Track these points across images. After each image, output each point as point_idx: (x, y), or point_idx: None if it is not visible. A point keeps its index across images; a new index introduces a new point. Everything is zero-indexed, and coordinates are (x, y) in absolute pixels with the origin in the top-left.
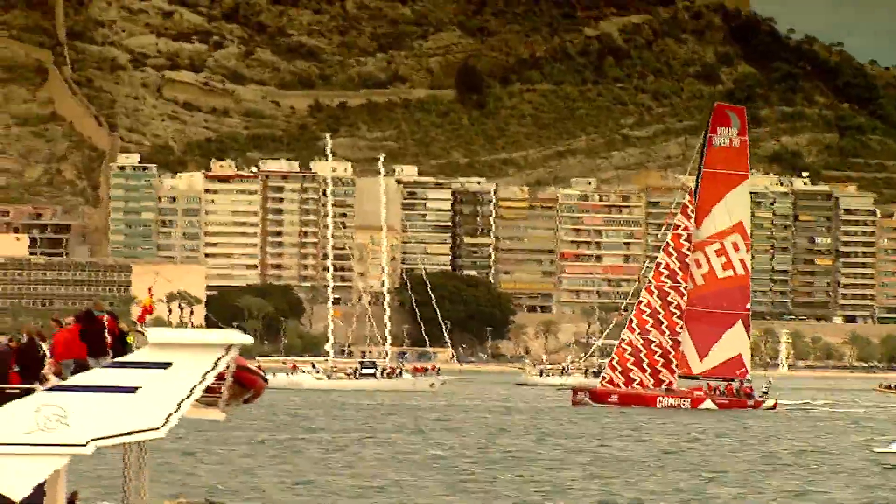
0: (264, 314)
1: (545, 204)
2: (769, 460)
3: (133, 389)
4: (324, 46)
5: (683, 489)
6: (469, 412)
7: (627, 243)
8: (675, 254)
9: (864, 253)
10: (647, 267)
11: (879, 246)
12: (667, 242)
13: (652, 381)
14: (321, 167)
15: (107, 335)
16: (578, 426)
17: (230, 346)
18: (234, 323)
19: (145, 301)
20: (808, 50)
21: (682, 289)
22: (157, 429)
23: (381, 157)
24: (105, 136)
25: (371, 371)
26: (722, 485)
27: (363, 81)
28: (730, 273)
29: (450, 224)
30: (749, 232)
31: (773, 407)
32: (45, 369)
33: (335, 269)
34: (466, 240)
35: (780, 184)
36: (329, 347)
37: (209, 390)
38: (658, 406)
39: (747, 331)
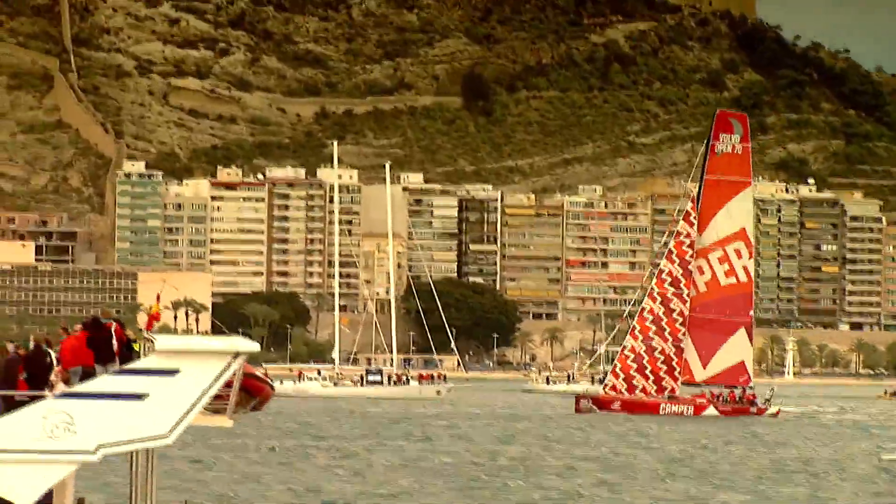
0: (270, 321)
1: (551, 211)
2: (778, 467)
3: (140, 396)
4: (330, 54)
5: (694, 496)
6: (475, 419)
7: (633, 250)
8: (677, 261)
9: (870, 260)
10: (650, 274)
11: (886, 253)
12: (669, 249)
13: (655, 387)
14: (327, 174)
15: (114, 342)
16: (584, 432)
17: (237, 354)
18: (239, 330)
19: (153, 308)
20: (814, 57)
21: (684, 296)
22: (165, 436)
23: (387, 165)
24: (111, 144)
25: (377, 378)
26: (730, 491)
27: (369, 89)
28: (732, 280)
29: (456, 231)
30: (753, 239)
31: (776, 414)
32: (53, 376)
33: (341, 276)
34: (472, 247)
35: (787, 191)
36: (335, 355)
37: (217, 397)
38: (661, 413)
39: (750, 338)
